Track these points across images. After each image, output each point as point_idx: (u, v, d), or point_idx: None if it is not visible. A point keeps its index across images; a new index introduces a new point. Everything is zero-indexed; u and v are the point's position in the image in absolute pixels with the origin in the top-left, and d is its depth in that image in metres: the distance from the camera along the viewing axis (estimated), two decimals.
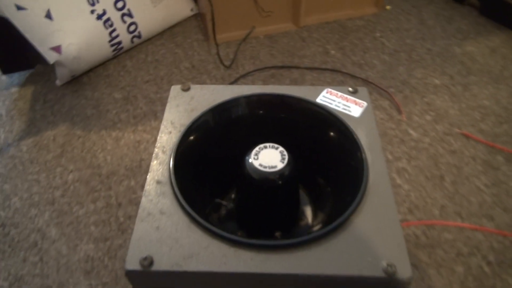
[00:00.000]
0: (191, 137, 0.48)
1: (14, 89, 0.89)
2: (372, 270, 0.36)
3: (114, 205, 0.67)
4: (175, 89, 0.54)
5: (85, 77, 0.91)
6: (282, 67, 0.92)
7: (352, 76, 0.89)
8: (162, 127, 0.49)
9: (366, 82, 0.87)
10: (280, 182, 0.44)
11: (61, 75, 0.86)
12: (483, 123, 0.79)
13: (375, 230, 0.39)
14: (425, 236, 0.62)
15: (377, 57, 0.94)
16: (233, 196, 0.54)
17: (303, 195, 0.54)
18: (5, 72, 0.90)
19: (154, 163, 0.45)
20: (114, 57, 0.95)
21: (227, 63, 0.93)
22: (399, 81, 0.88)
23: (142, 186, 0.69)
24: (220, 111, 0.50)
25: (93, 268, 0.59)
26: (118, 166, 0.73)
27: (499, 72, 0.89)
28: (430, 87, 0.86)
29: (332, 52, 0.96)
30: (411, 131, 0.77)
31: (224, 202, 0.51)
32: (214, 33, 0.94)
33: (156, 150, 0.46)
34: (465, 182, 0.69)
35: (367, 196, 0.42)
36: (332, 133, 0.49)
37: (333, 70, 0.90)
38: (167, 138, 0.48)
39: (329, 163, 0.49)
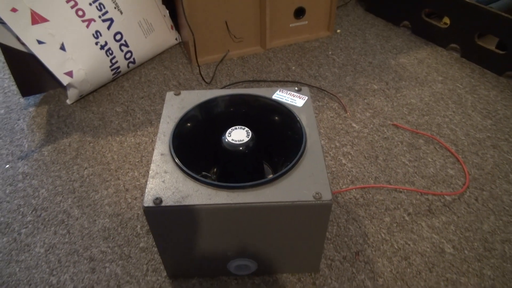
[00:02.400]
0: (184, 125, 0.67)
1: (31, 109, 1.07)
2: (306, 197, 0.56)
3: (122, 190, 0.85)
4: (169, 94, 0.74)
5: (91, 96, 1.10)
6: (252, 81, 1.13)
7: (309, 86, 1.10)
8: (162, 119, 0.69)
9: (320, 90, 1.09)
10: (246, 151, 0.64)
11: (71, 95, 1.05)
12: (409, 116, 1.00)
13: (309, 175, 0.59)
14: (363, 198, 0.82)
15: (329, 70, 1.16)
16: (215, 170, 0.73)
17: (266, 168, 0.74)
18: (24, 95, 1.08)
19: (158, 143, 0.64)
20: (114, 80, 1.15)
21: (207, 80, 1.14)
22: (346, 88, 1.10)
23: (144, 176, 0.88)
24: (204, 106, 0.70)
25: (110, 235, 0.77)
26: (124, 162, 0.91)
27: (424, 78, 1.12)
28: (370, 91, 1.08)
29: (293, 68, 1.18)
30: (354, 125, 0.99)
31: (209, 174, 0.70)
32: (196, 57, 1.15)
33: (159, 134, 0.66)
34: (394, 159, 0.90)
35: (305, 156, 0.62)
36: (282, 117, 0.70)
37: (293, 82, 1.12)
38: (166, 126, 0.67)
39: (282, 139, 0.69)
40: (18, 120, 1.04)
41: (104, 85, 1.13)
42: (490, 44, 1.13)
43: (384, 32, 1.32)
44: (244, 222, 0.59)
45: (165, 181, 0.59)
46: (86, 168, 0.90)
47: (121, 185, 0.86)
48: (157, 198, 0.56)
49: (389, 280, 0.69)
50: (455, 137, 0.94)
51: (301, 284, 0.69)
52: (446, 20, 1.22)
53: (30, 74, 1.08)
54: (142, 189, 0.85)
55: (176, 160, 0.61)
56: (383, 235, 0.76)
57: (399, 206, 0.80)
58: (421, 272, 0.70)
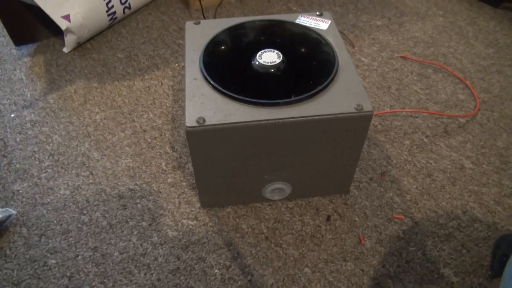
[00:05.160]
0: (212, 50, 0.66)
1: (26, 59, 1.02)
2: (348, 109, 0.57)
3: (140, 131, 0.83)
4: (189, 24, 0.72)
5: (88, 44, 1.05)
6: None
7: None
8: (187, 48, 0.67)
9: None
10: (278, 73, 0.63)
11: (69, 42, 1.00)
12: (415, 48, 1.02)
13: (346, 89, 0.59)
14: (381, 125, 0.84)
15: (330, 10, 1.15)
16: None
17: None
18: (16, 43, 1.02)
19: (188, 69, 0.63)
20: (110, 27, 1.10)
21: None
22: (350, 25, 1.09)
23: (160, 117, 0.86)
24: (231, 31, 0.69)
25: (135, 174, 0.76)
26: (136, 105, 0.89)
27: (424, 12, 1.13)
28: (374, 27, 1.09)
29: (294, 8, 1.16)
30: (363, 59, 0.99)
31: None
32: None
33: (187, 61, 0.64)
34: (406, 89, 0.91)
35: (339, 73, 0.62)
36: (310, 40, 0.69)
37: None
38: (192, 53, 0.65)
39: (310, 62, 0.69)
40: (14, 70, 0.98)
41: (101, 33, 1.08)
42: None
43: None
44: (285, 139, 0.59)
45: (204, 102, 0.58)
46: (97, 113, 0.87)
47: (138, 127, 0.84)
48: (200, 118, 0.55)
49: (416, 195, 0.72)
50: (461, 65, 0.97)
51: (333, 205, 0.71)
52: None
53: (22, 23, 1.02)
54: (160, 129, 0.83)
55: (212, 82, 0.59)
56: (405, 156, 0.78)
57: (416, 129, 0.83)
58: (444, 186, 0.73)
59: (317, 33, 0.68)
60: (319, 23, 0.71)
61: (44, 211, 0.70)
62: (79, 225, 0.68)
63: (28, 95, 0.92)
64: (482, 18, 1.11)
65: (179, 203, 0.71)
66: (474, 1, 1.17)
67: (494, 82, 0.93)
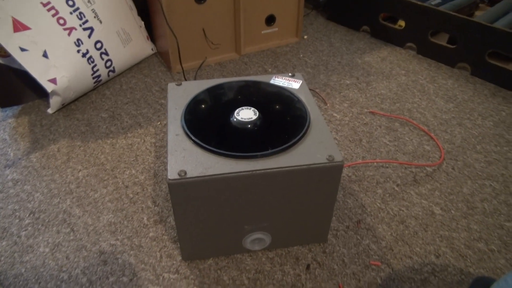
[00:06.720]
0: (192, 108, 0.70)
1: (10, 120, 1.04)
2: (320, 160, 0.61)
3: (122, 187, 0.85)
4: (171, 85, 0.77)
5: (73, 105, 1.09)
6: None
7: None
8: (169, 106, 0.71)
9: None
10: (255, 128, 0.68)
11: (54, 104, 1.04)
12: (382, 104, 1.10)
13: (318, 142, 0.64)
14: (355, 175, 0.88)
15: (303, 71, 1.24)
16: None
17: None
18: (2, 106, 1.05)
19: (171, 126, 0.67)
20: (94, 88, 1.15)
21: None
22: (321, 84, 1.18)
23: (142, 173, 0.88)
24: (211, 91, 0.74)
25: (117, 229, 0.77)
26: (119, 162, 0.91)
27: (388, 72, 1.24)
28: (344, 85, 1.17)
29: (269, 70, 1.25)
30: (335, 114, 1.06)
31: None
32: (180, 60, 1.18)
33: (169, 119, 0.68)
34: (376, 141, 0.98)
35: (311, 127, 0.67)
36: (284, 98, 0.75)
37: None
38: (175, 111, 0.70)
39: (284, 118, 0.74)
40: None
41: (85, 94, 1.13)
42: (441, 40, 1.27)
43: (346, 37, 1.44)
44: (262, 190, 0.62)
45: (185, 156, 0.61)
46: (80, 170, 0.89)
47: (120, 183, 0.86)
48: (181, 171, 0.58)
49: (391, 242, 0.75)
50: (425, 119, 1.05)
51: (312, 254, 0.73)
52: (401, 22, 1.36)
53: (8, 86, 1.06)
54: (142, 185, 0.85)
55: (193, 137, 0.63)
56: (378, 204, 0.82)
57: (388, 179, 0.87)
58: (417, 232, 0.77)
59: (290, 92, 0.74)
60: (291, 83, 0.78)
61: (23, 270, 0.70)
62: (58, 282, 0.68)
63: (11, 154, 0.93)
64: (441, 77, 1.22)
65: (161, 256, 0.72)
66: (433, 62, 1.29)
67: (456, 134, 1.00)
